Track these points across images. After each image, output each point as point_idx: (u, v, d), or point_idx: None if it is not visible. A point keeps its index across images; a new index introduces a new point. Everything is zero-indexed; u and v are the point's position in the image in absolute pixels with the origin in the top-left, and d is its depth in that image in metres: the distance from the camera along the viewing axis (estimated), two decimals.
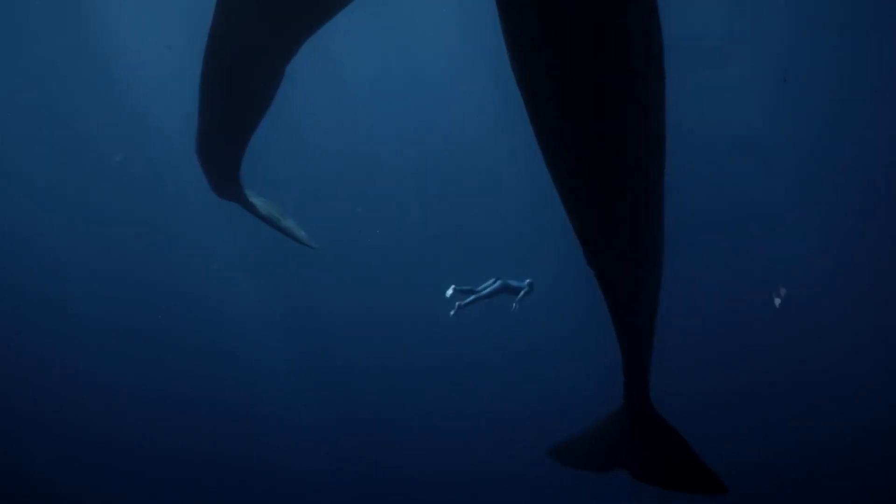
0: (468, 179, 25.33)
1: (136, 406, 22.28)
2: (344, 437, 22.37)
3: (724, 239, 23.39)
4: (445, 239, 24.96)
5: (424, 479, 20.77)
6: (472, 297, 13.92)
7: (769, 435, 19.86)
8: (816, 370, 21.10)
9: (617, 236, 4.08)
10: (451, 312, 13.74)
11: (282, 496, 21.19)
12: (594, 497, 15.84)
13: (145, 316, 23.66)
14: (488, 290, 14.03)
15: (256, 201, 6.75)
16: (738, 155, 23.22)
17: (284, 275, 24.37)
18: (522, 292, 14.18)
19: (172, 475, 20.80)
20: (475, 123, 23.91)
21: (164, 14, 19.97)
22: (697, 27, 20.76)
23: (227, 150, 5.36)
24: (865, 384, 20.42)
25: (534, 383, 22.08)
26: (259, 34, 4.51)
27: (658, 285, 4.48)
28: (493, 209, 25.06)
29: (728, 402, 19.98)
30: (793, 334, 21.74)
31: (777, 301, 21.67)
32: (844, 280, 22.35)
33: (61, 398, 21.96)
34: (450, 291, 13.64)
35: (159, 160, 22.86)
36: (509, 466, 19.82)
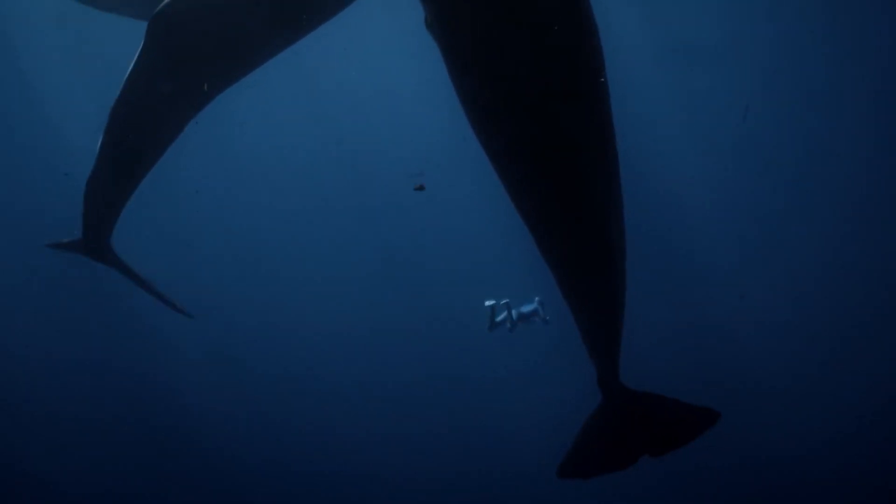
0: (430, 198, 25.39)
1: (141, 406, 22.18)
2: (336, 445, 22.34)
3: (719, 245, 23.56)
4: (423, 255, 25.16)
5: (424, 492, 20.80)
6: (505, 314, 14.69)
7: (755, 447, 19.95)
8: (804, 383, 21.13)
9: (571, 246, 4.24)
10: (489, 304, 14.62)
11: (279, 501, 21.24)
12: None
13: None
14: (515, 315, 14.72)
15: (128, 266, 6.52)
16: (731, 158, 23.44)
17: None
18: (540, 312, 14.70)
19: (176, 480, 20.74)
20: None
21: None
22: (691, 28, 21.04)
23: (113, 199, 5.46)
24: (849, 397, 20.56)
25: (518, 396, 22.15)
26: (172, 96, 4.80)
27: (621, 291, 4.63)
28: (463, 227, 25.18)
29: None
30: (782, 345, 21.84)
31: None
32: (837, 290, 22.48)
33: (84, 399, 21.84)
34: (490, 303, 14.55)
35: None
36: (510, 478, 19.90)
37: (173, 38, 4.55)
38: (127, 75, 4.80)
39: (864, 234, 22.46)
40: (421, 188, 17.92)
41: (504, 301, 15.06)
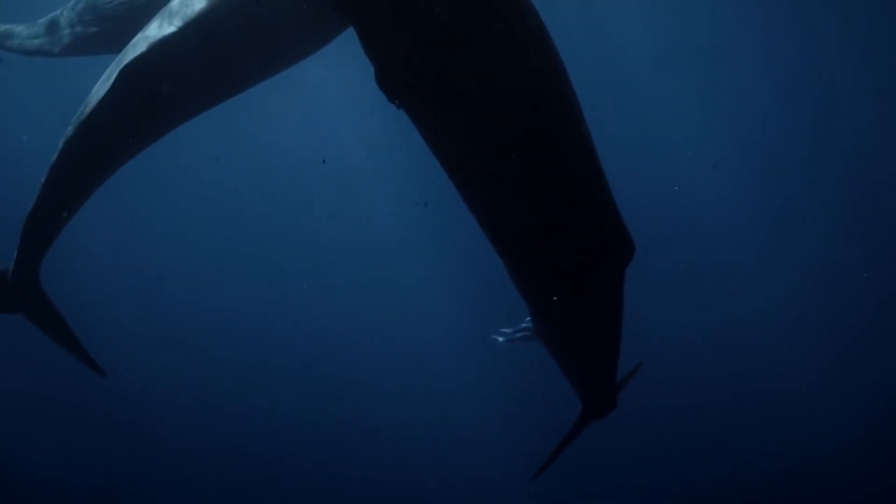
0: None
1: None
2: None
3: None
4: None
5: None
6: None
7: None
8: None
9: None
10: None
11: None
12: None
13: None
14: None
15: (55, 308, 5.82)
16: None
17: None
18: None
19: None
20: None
21: None
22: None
23: (51, 233, 5.32)
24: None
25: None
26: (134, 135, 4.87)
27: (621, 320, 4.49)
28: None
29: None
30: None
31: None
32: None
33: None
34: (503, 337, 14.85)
35: None
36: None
37: (142, 91, 4.59)
38: (85, 117, 4.77)
39: (877, 230, 22.19)
40: None
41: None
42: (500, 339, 14.70)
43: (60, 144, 4.90)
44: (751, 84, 22.42)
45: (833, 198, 22.91)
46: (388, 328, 23.51)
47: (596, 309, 4.32)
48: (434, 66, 3.30)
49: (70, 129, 4.84)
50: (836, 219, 22.80)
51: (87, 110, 4.72)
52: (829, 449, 19.61)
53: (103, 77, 4.75)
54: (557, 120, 3.60)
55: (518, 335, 14.65)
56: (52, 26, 7.24)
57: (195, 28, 4.34)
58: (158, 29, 4.45)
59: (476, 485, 20.35)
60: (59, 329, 5.81)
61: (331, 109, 23.00)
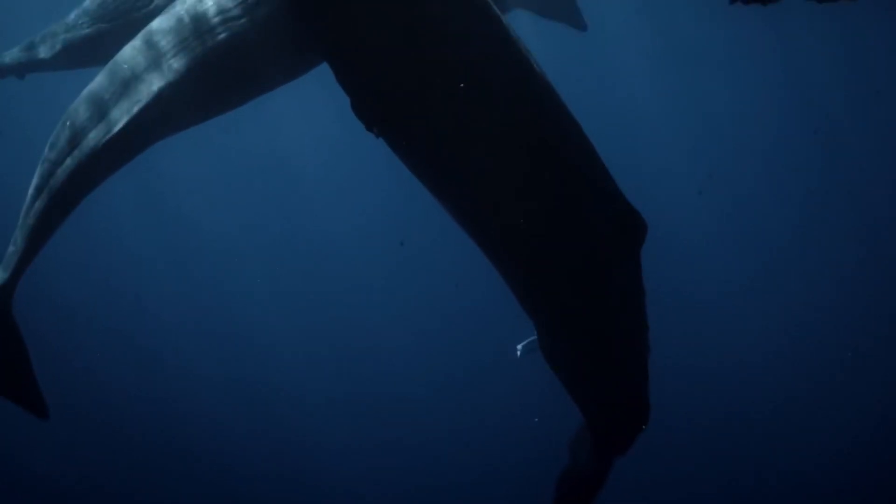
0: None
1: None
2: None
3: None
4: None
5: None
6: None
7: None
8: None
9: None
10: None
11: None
12: None
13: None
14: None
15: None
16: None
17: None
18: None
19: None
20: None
21: None
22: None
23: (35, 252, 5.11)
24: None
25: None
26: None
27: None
28: None
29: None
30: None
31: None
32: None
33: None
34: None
35: None
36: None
37: (143, 133, 4.63)
38: (85, 159, 4.70)
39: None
40: None
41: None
42: (518, 352, 14.55)
43: (55, 184, 4.75)
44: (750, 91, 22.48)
45: (838, 208, 22.79)
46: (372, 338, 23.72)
47: (616, 303, 4.08)
48: (406, 98, 3.32)
49: (61, 173, 4.72)
50: (844, 231, 22.68)
51: (85, 154, 4.61)
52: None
53: (87, 115, 4.63)
54: (540, 122, 3.58)
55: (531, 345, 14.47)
56: (47, 38, 7.32)
57: (198, 73, 4.33)
58: (158, 74, 4.39)
59: (474, 484, 20.30)
60: (17, 365, 5.23)
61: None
